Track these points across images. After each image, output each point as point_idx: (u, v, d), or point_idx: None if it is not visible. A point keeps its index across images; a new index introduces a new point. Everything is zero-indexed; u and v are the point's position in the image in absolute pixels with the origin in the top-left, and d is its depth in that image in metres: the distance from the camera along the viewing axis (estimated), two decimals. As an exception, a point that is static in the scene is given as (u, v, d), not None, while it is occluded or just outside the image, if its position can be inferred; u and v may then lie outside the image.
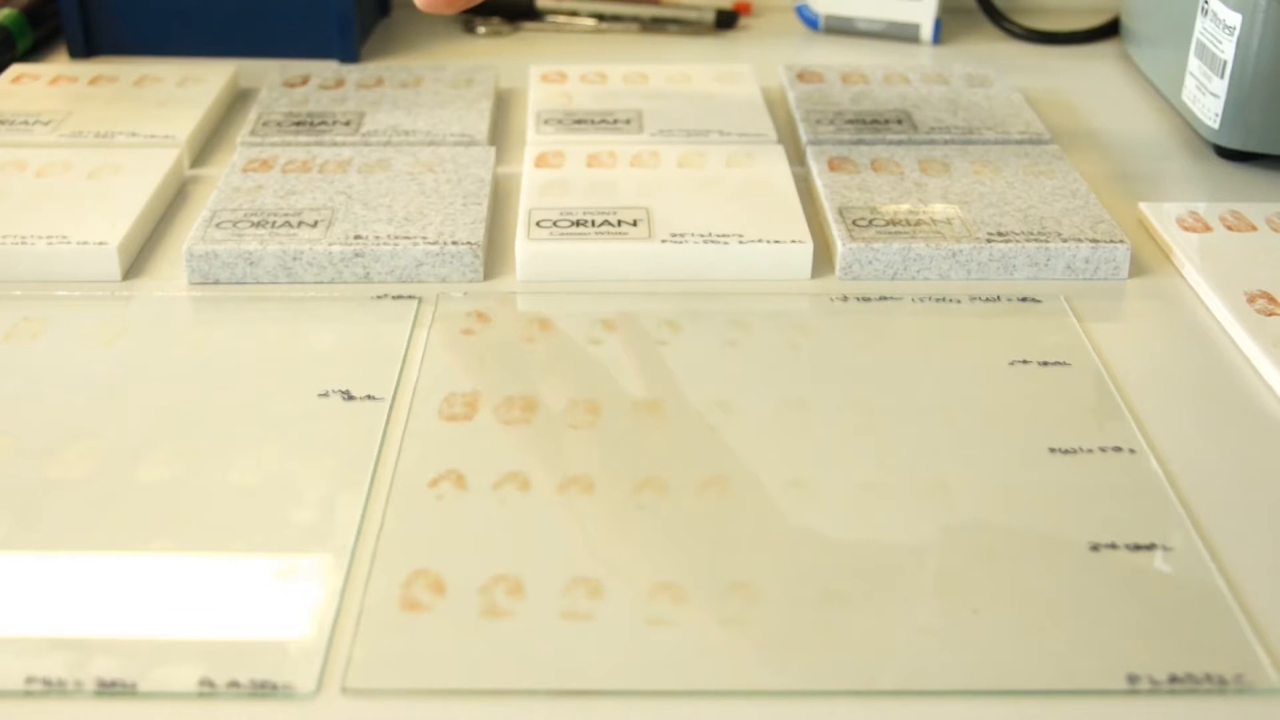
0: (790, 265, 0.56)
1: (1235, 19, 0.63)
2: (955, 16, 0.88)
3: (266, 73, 0.74)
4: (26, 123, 0.67)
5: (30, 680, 0.36)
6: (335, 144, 0.65)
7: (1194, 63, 0.68)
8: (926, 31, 0.84)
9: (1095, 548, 0.41)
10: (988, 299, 0.55)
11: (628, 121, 0.68)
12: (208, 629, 0.38)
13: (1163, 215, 0.61)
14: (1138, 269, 0.57)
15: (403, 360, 0.50)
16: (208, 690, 0.36)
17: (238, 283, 0.56)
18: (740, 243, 0.56)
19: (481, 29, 0.86)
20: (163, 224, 0.60)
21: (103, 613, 0.39)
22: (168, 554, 0.41)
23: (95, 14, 0.78)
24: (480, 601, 0.39)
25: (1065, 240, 0.56)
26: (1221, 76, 0.65)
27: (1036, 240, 0.56)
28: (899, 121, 0.68)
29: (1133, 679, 0.37)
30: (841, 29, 0.86)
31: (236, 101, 0.73)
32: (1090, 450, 0.46)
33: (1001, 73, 0.74)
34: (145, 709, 0.36)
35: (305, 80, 0.72)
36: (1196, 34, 0.68)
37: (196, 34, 0.78)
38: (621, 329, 0.52)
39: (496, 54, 0.82)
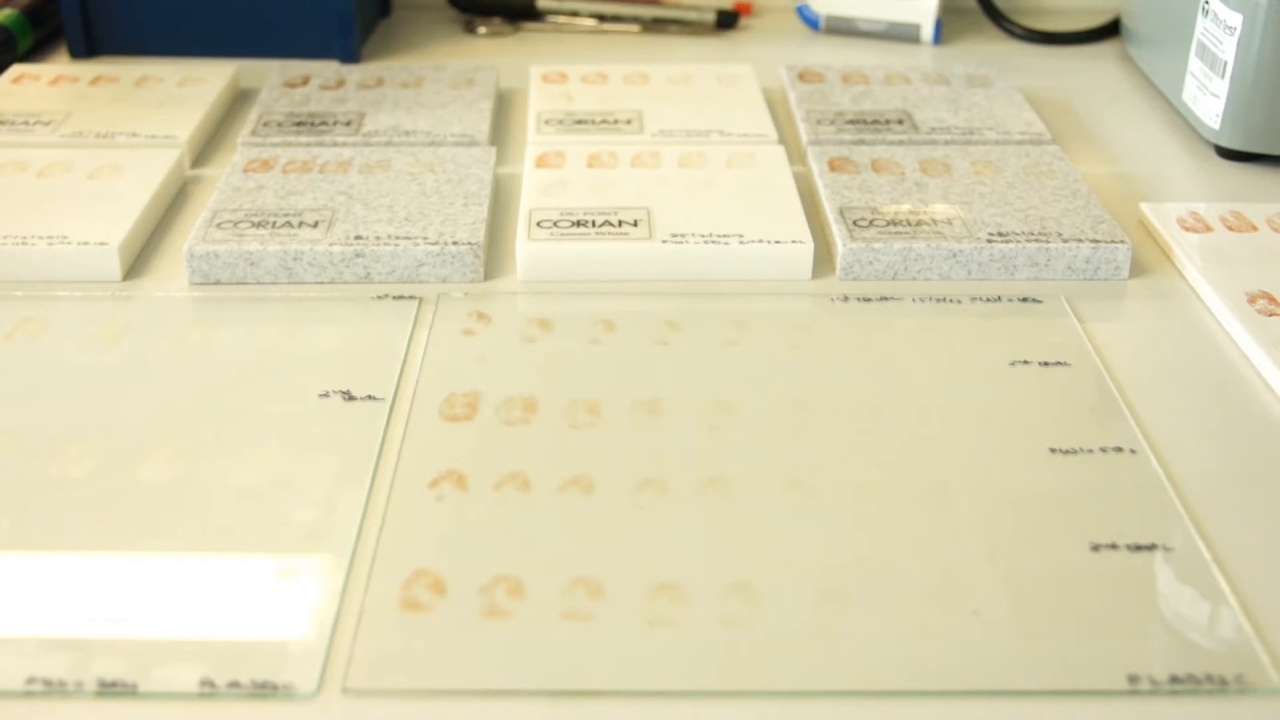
0: (791, 265, 0.56)
1: (1236, 19, 0.63)
2: (956, 17, 0.88)
3: (267, 73, 0.74)
4: (27, 123, 0.67)
5: (31, 680, 0.36)
6: (336, 144, 0.65)
7: (1195, 63, 0.68)
8: (927, 32, 0.84)
9: (1096, 548, 0.41)
10: (988, 299, 0.55)
11: (628, 122, 0.68)
12: (208, 629, 0.38)
13: (1163, 215, 0.61)
14: (1138, 269, 0.57)
15: (403, 360, 0.50)
16: (208, 690, 0.36)
17: (238, 283, 0.56)
18: (741, 243, 0.56)
19: (482, 29, 0.86)
20: (163, 224, 0.61)
21: (103, 613, 0.39)
22: (168, 554, 0.41)
23: (96, 14, 0.78)
24: (481, 602, 0.39)
25: (1066, 240, 0.56)
26: (1222, 77, 0.65)
27: (1037, 240, 0.56)
28: (899, 122, 0.68)
29: (1133, 679, 0.37)
30: (842, 29, 0.86)
31: (237, 102, 0.74)
32: (1091, 450, 0.46)
33: (1002, 73, 0.74)
34: (146, 709, 0.36)
35: (306, 80, 0.72)
36: (1197, 34, 0.68)
37: (197, 34, 0.78)
38: (621, 329, 0.52)
39: (497, 54, 0.82)
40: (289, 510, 0.43)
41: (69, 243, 0.55)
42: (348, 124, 0.67)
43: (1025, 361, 0.51)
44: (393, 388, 0.49)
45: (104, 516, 0.42)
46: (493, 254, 0.58)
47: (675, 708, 0.36)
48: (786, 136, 0.68)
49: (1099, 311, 0.54)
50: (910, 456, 0.45)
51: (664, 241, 0.56)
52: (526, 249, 0.56)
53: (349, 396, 0.48)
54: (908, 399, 0.48)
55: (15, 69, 0.74)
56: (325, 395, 0.48)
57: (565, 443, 0.46)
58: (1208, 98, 0.66)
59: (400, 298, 0.54)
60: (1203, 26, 0.67)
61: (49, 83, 0.72)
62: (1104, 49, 0.84)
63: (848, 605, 0.39)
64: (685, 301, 0.55)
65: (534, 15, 0.86)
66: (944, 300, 0.55)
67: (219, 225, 0.57)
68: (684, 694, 0.36)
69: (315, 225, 0.57)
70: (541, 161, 0.63)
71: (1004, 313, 0.54)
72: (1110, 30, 0.85)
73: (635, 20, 0.86)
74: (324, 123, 0.67)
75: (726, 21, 0.86)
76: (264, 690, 0.36)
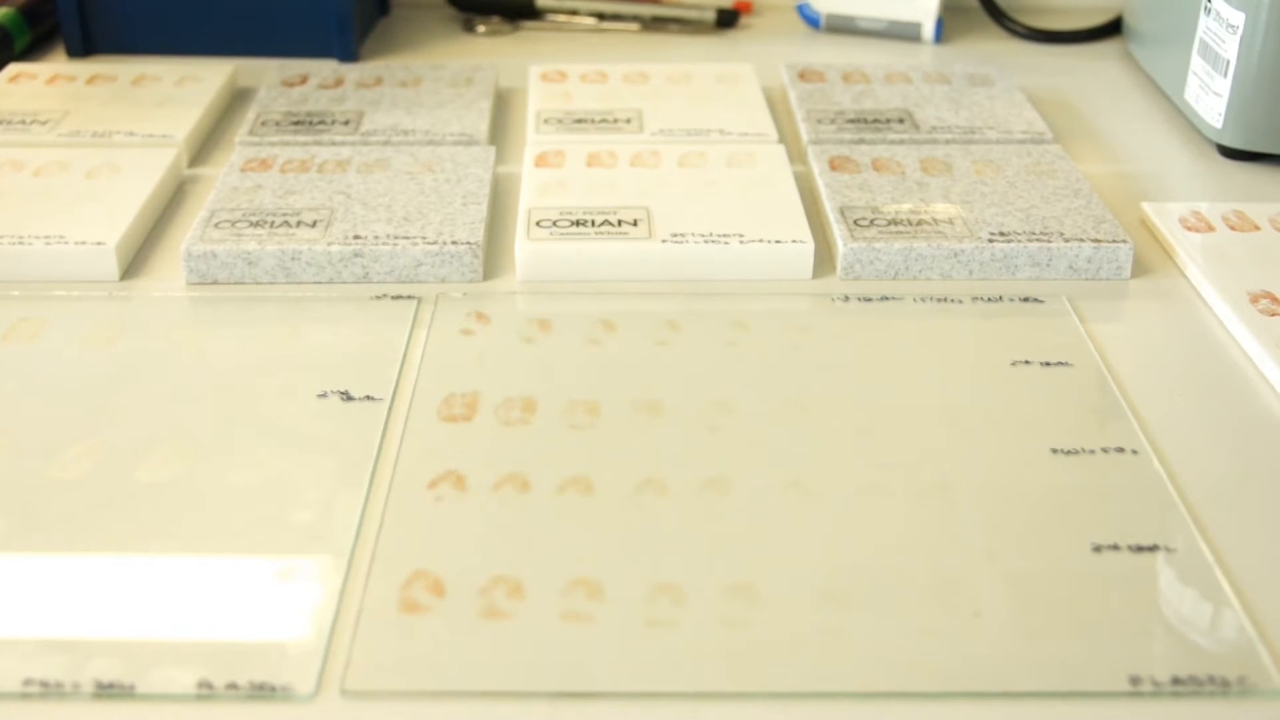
0: (791, 265, 0.56)
1: (1238, 18, 0.63)
2: (957, 15, 0.88)
3: (265, 72, 0.74)
4: (24, 122, 0.66)
5: (28, 682, 0.36)
6: (334, 143, 0.65)
7: (1197, 62, 0.68)
8: (928, 30, 0.84)
9: (1097, 549, 0.41)
10: (990, 299, 0.55)
11: (628, 121, 0.68)
12: (206, 630, 0.38)
13: (1165, 215, 0.60)
14: (1140, 269, 0.57)
15: (402, 361, 0.50)
16: (206, 692, 0.36)
17: (236, 283, 0.55)
18: (741, 243, 0.56)
19: (481, 28, 0.86)
20: (161, 224, 0.60)
21: (101, 614, 0.38)
22: (166, 555, 0.41)
23: (93, 13, 0.78)
24: (480, 603, 0.39)
25: (1067, 240, 0.56)
26: (1225, 75, 0.65)
27: (1038, 240, 0.56)
28: (900, 121, 0.68)
29: (1135, 681, 0.36)
30: (843, 28, 0.86)
31: (235, 101, 0.73)
32: (1092, 451, 0.46)
33: (1003, 72, 0.74)
34: (143, 711, 0.36)
35: (304, 79, 0.72)
36: (1199, 33, 0.67)
37: (195, 33, 0.78)
38: (621, 329, 0.52)
39: (496, 53, 0.82)
40: (287, 511, 0.43)
41: (66, 242, 0.55)
42: (346, 123, 0.67)
43: (1026, 361, 0.50)
44: (391, 388, 0.49)
45: (101, 517, 0.42)
46: (492, 254, 0.58)
47: (675, 709, 0.36)
48: (787, 136, 0.68)
49: (1101, 311, 0.54)
50: (911, 457, 0.45)
51: (664, 241, 0.56)
52: (526, 249, 0.56)
53: (347, 397, 0.48)
54: (908, 399, 0.48)
55: (12, 68, 0.74)
56: (324, 395, 0.48)
57: (565, 443, 0.46)
58: (1210, 96, 0.66)
59: (399, 297, 0.54)
60: (1205, 25, 0.67)
61: (46, 81, 0.72)
62: (1106, 48, 0.84)
63: (848, 606, 0.39)
64: (685, 301, 0.54)
65: (533, 14, 0.86)
66: (945, 300, 0.55)
67: (217, 225, 0.57)
68: (684, 695, 0.36)
69: (313, 225, 0.57)
70: (541, 161, 0.63)
71: (1005, 312, 0.54)
72: (1112, 29, 0.85)
73: (635, 19, 0.86)
74: (322, 122, 0.67)
75: (726, 20, 0.86)
76: (262, 692, 0.36)
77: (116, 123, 0.66)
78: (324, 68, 0.74)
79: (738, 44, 0.84)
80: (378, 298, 0.54)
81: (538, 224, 0.57)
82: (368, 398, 0.48)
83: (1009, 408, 0.48)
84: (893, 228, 0.57)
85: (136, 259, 0.57)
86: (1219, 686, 0.36)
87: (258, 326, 0.53)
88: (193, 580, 0.40)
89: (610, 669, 0.37)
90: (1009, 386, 0.49)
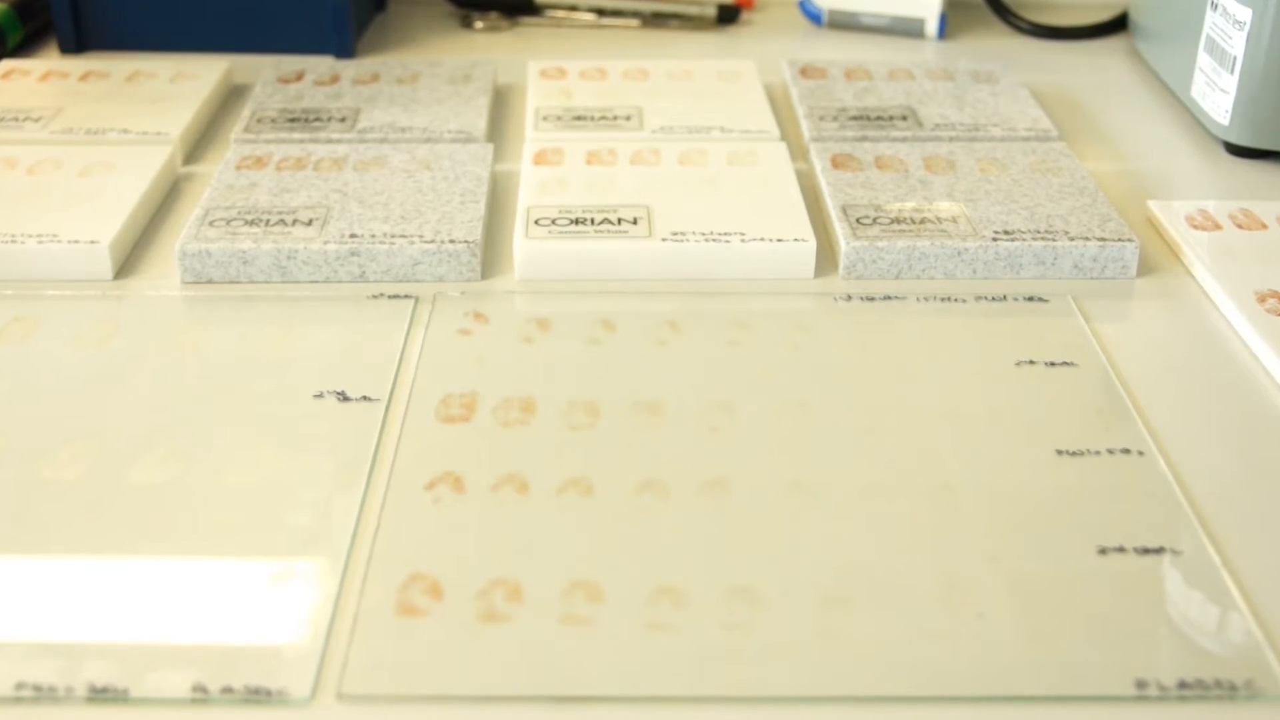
0: (793, 264, 0.55)
1: (1245, 14, 0.63)
2: (960, 11, 0.87)
3: (261, 68, 0.73)
4: (17, 119, 0.66)
5: (21, 686, 0.36)
6: (330, 141, 0.64)
7: (1203, 58, 0.67)
8: (931, 27, 0.83)
9: (1103, 551, 0.41)
10: (993, 298, 0.54)
11: (628, 118, 0.67)
12: (201, 634, 0.37)
13: (1172, 213, 0.60)
14: (1146, 268, 0.57)
15: (399, 361, 0.50)
16: (201, 696, 0.36)
17: (231, 282, 0.55)
18: (742, 241, 0.55)
19: (479, 24, 0.85)
20: (155, 222, 0.60)
21: (95, 617, 0.38)
22: (161, 557, 0.40)
23: (86, 9, 0.78)
24: (478, 606, 0.38)
25: (1072, 239, 0.55)
26: (1231, 72, 0.64)
27: (1043, 238, 0.55)
28: (903, 118, 0.67)
29: (1141, 684, 0.36)
30: (845, 24, 0.85)
31: (230, 98, 0.73)
32: (1098, 452, 0.45)
33: (1007, 68, 0.74)
34: (138, 715, 0.35)
35: (300, 76, 0.72)
36: (1206, 29, 0.67)
37: (189, 29, 0.78)
38: (621, 329, 0.52)
39: (495, 49, 0.81)
40: (283, 513, 0.42)
41: (59, 241, 0.55)
42: (343, 120, 0.66)
43: (1031, 362, 0.50)
44: (389, 388, 0.48)
45: (96, 519, 0.42)
46: (490, 252, 0.57)
47: (676, 713, 0.35)
48: (788, 133, 0.68)
49: (1106, 311, 0.54)
50: (914, 458, 0.45)
51: (664, 240, 0.55)
52: (524, 247, 0.55)
53: (344, 397, 0.48)
54: (911, 399, 0.48)
55: (5, 64, 0.73)
56: (320, 396, 0.48)
57: (564, 444, 0.45)
58: (1216, 93, 0.66)
59: (396, 297, 0.54)
60: (1211, 21, 0.66)
61: (39, 78, 0.71)
62: (1111, 44, 0.84)
63: (850, 609, 0.38)
64: (685, 301, 0.54)
65: (532, 10, 0.86)
66: (948, 299, 0.54)
67: (212, 223, 0.56)
68: (685, 699, 0.36)
69: (310, 223, 0.56)
70: (540, 158, 0.63)
71: (1009, 312, 0.53)
72: (1118, 25, 0.84)
73: (635, 15, 0.85)
74: (318, 119, 0.66)
75: (727, 16, 0.85)
76: (257, 696, 0.36)
77: (110, 120, 0.66)
78: (320, 64, 0.74)
79: (739, 40, 0.84)
80: (374, 297, 0.54)
81: (536, 222, 0.56)
82: (365, 398, 0.48)
83: (1013, 408, 0.47)
84: (895, 226, 0.56)
85: (131, 258, 0.57)
86: (1226, 690, 0.36)
87: (253, 326, 0.52)
88: (188, 583, 0.39)
89: (610, 673, 0.36)
90: (1013, 387, 0.49)
